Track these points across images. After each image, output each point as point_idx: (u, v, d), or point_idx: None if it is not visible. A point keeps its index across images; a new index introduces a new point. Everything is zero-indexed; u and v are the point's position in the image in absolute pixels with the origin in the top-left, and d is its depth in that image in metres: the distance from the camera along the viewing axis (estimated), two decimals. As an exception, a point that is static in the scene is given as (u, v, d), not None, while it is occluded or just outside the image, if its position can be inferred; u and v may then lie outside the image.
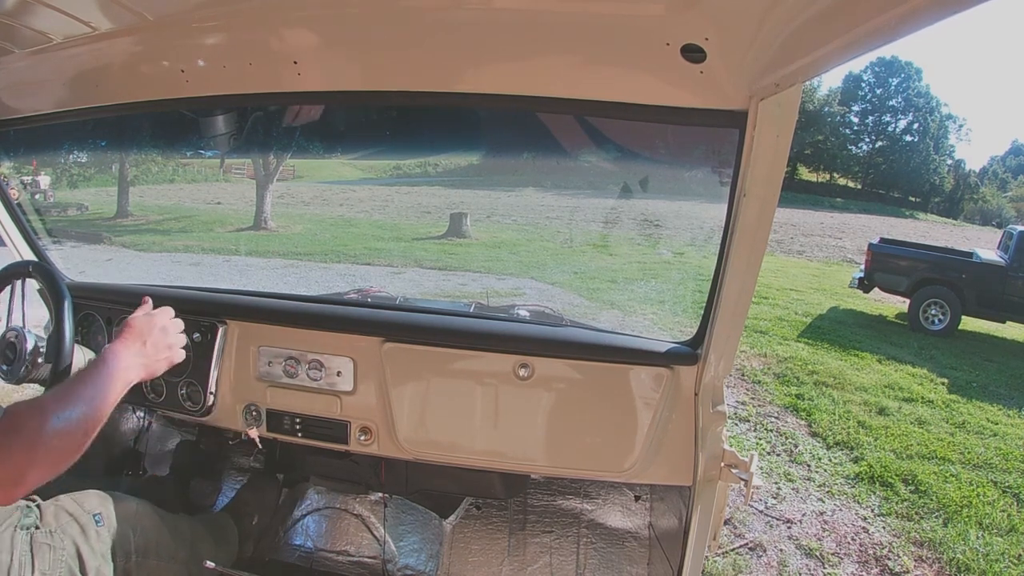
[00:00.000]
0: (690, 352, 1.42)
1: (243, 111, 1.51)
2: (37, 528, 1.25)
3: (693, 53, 0.97)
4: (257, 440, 1.68)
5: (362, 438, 1.60)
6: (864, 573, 3.05)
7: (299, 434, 1.65)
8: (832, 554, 3.15)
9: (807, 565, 3.04)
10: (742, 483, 1.37)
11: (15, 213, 1.82)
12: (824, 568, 3.03)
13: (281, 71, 1.26)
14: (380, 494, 2.04)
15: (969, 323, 9.02)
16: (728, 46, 0.94)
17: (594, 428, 1.50)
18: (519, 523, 2.12)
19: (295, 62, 1.23)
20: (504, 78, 1.19)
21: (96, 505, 1.39)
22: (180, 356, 1.38)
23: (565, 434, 1.52)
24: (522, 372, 1.49)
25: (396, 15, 1.08)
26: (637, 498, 2.08)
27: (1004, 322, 8.87)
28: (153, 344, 1.30)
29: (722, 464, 1.39)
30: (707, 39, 0.94)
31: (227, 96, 1.40)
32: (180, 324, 1.40)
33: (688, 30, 0.94)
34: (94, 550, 1.31)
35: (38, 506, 1.30)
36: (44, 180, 9.55)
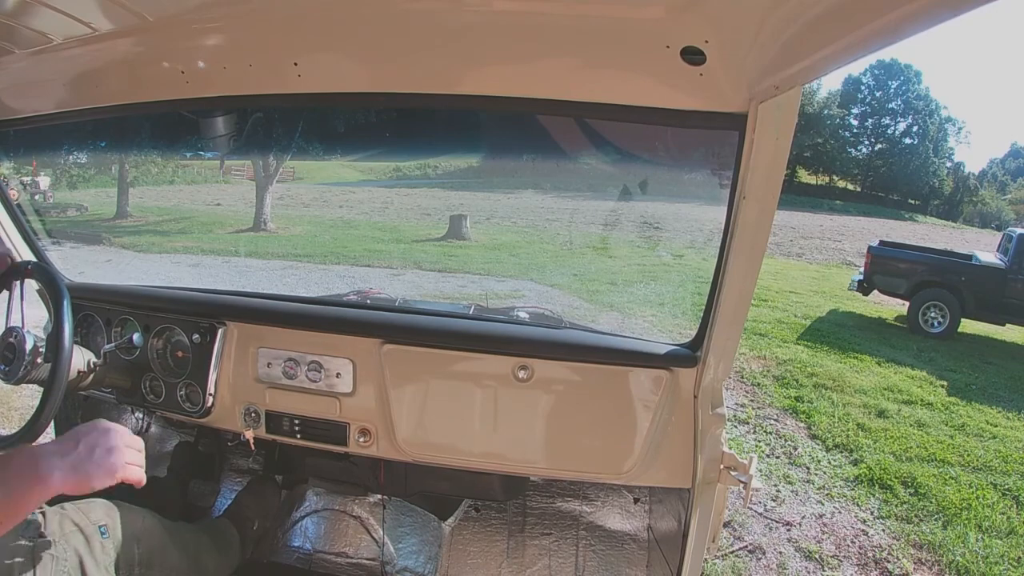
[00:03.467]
0: (689, 354, 1.42)
1: (243, 112, 1.51)
2: (40, 537, 1.23)
3: (693, 55, 0.98)
4: (251, 443, 1.68)
5: (361, 440, 1.60)
6: (863, 576, 3.05)
7: (298, 435, 1.64)
8: (832, 557, 3.14)
9: (807, 568, 3.04)
10: (741, 485, 1.37)
11: (15, 214, 1.82)
12: (824, 571, 3.03)
13: (281, 72, 1.26)
14: (379, 496, 2.04)
15: (968, 326, 9.01)
16: (728, 49, 0.95)
17: (593, 430, 1.50)
18: (518, 525, 2.11)
19: (295, 63, 1.23)
20: (504, 80, 1.19)
21: (102, 516, 1.36)
22: (132, 474, 1.08)
23: (564, 436, 1.52)
24: (521, 374, 1.49)
25: (396, 17, 1.08)
26: (636, 500, 2.08)
27: (1003, 324, 8.85)
28: (89, 449, 1.04)
29: (721, 466, 1.39)
30: (707, 41, 0.94)
31: (227, 97, 1.40)
32: (138, 446, 1.13)
33: (688, 32, 0.94)
34: (98, 563, 1.28)
35: (43, 514, 1.27)
36: (44, 181, 9.57)
